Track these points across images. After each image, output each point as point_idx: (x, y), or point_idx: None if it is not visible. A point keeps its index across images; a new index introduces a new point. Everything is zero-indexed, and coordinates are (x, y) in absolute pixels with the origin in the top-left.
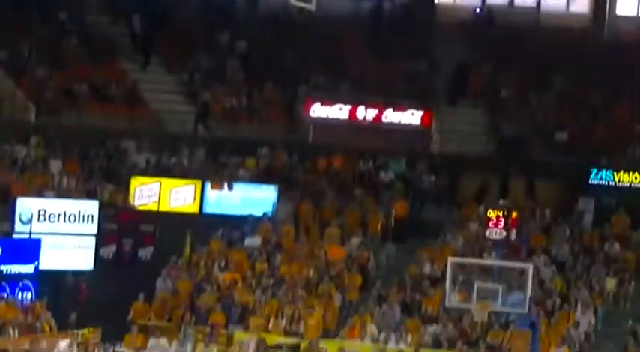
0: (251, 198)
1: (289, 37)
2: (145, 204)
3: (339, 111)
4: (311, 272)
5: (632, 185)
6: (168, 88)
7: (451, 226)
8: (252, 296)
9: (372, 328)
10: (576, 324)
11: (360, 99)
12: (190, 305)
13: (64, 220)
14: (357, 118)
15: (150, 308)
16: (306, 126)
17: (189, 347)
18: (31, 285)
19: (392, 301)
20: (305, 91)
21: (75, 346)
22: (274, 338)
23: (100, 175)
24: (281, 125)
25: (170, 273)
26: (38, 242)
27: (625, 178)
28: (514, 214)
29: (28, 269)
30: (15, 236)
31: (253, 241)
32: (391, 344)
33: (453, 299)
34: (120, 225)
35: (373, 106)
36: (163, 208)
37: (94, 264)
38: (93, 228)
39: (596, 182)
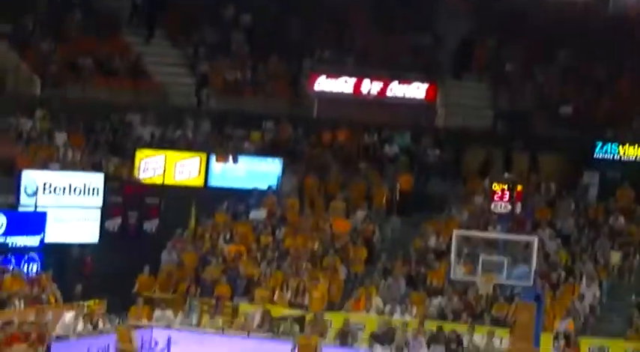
0: (256, 171)
1: (294, 10)
2: (150, 177)
3: (343, 85)
4: (316, 245)
5: (637, 158)
6: (173, 61)
7: (456, 200)
8: (258, 269)
9: (377, 301)
10: (581, 297)
11: (365, 73)
12: (195, 277)
13: (70, 193)
14: (361, 92)
15: (155, 280)
16: (310, 99)
17: (194, 318)
18: (36, 257)
19: (397, 274)
20: (310, 65)
21: (80, 318)
22: (279, 311)
23: (105, 148)
24: (286, 98)
25: (175, 246)
26: (43, 214)
27: (630, 152)
28: (519, 187)
29: (33, 241)
30: (20, 208)
31: (258, 214)
32: (396, 317)
33: (458, 272)
34: (125, 197)
35: (378, 80)
36: (168, 181)
37: (100, 236)
38: (98, 200)
39: (601, 156)
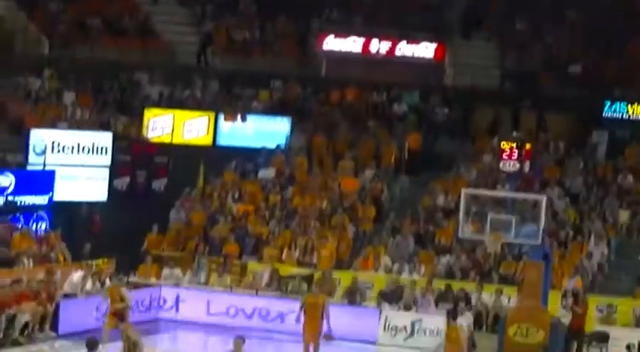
0: (264, 130)
1: None
2: (159, 136)
3: (352, 44)
4: (324, 204)
5: None
6: (181, 21)
7: (464, 158)
8: (266, 228)
9: (385, 259)
10: (589, 255)
11: (373, 32)
12: (204, 236)
13: (78, 152)
14: (370, 51)
15: (164, 239)
16: (319, 59)
17: (202, 277)
18: (45, 216)
19: (405, 232)
20: (318, 24)
21: (89, 277)
22: (288, 269)
23: (113, 107)
24: (294, 58)
25: (184, 205)
26: (52, 173)
27: (639, 111)
28: (528, 146)
29: (42, 200)
30: (29, 167)
31: (267, 173)
32: (404, 275)
33: (466, 231)
34: (133, 156)
35: (386, 39)
36: (177, 140)
37: (108, 195)
38: (106, 159)
39: (609, 115)
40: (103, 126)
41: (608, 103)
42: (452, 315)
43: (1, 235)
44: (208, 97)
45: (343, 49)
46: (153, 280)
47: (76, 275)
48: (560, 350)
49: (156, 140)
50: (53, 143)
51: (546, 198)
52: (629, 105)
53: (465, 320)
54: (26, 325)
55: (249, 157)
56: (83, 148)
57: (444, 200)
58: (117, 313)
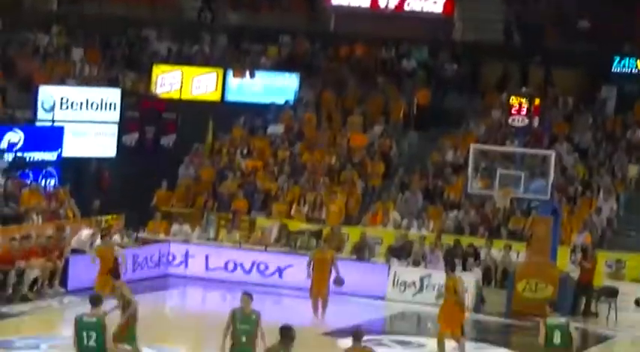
0: (273, 86)
1: None
2: (167, 92)
3: None
4: (333, 160)
5: None
6: None
7: (473, 114)
8: (275, 183)
9: (394, 215)
10: (598, 211)
11: None
12: (213, 192)
13: (87, 108)
14: (379, 6)
15: (172, 195)
16: (328, 14)
17: (211, 233)
18: (54, 172)
19: (414, 188)
20: None
21: (98, 233)
22: (296, 225)
23: (121, 63)
24: (303, 13)
25: (192, 161)
26: (61, 129)
27: None
28: (537, 101)
29: (51, 156)
30: (38, 123)
31: (275, 129)
32: (413, 231)
33: (475, 186)
34: (142, 112)
35: None
36: (185, 96)
37: (117, 151)
38: (115, 115)
39: (618, 70)
40: (111, 83)
41: (617, 58)
42: (450, 267)
43: (11, 191)
44: (217, 53)
45: (352, 4)
46: (162, 236)
47: (85, 233)
48: (569, 305)
49: (164, 96)
50: (62, 99)
51: (555, 154)
52: (639, 61)
53: (474, 276)
54: (35, 281)
55: (258, 113)
56: (92, 104)
57: (453, 155)
58: (111, 271)
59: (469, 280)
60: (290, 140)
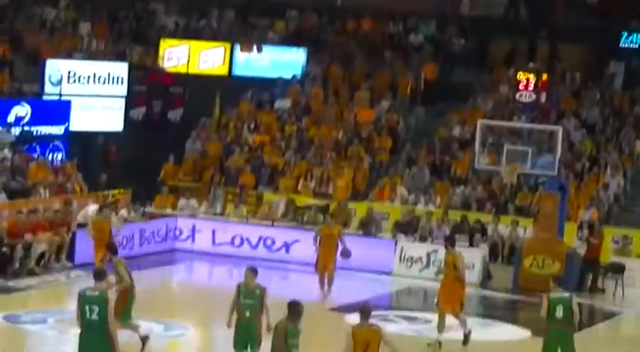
0: (280, 60)
1: None
2: (174, 67)
3: None
4: (340, 135)
5: None
6: None
7: (481, 89)
8: (282, 158)
9: (401, 190)
10: (605, 187)
11: None
12: (220, 166)
13: (94, 82)
14: None
15: (180, 169)
16: None
17: (218, 207)
18: (61, 146)
19: (421, 163)
20: None
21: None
22: (303, 200)
23: (129, 37)
24: None
25: (199, 135)
26: (68, 103)
27: None
28: (544, 77)
29: (58, 130)
30: (45, 97)
31: (283, 103)
32: (420, 206)
33: (482, 162)
34: (149, 86)
35: None
36: (192, 70)
37: (124, 125)
38: (122, 89)
39: (626, 45)
40: (118, 57)
41: (625, 34)
42: (449, 242)
43: (18, 165)
44: (224, 27)
45: None
46: (169, 211)
47: (91, 208)
48: (576, 281)
49: (172, 70)
50: (69, 73)
51: (562, 129)
52: None
53: (481, 252)
54: (42, 255)
55: (265, 87)
56: (99, 78)
57: (460, 131)
58: (108, 245)
59: (476, 256)
60: (297, 115)
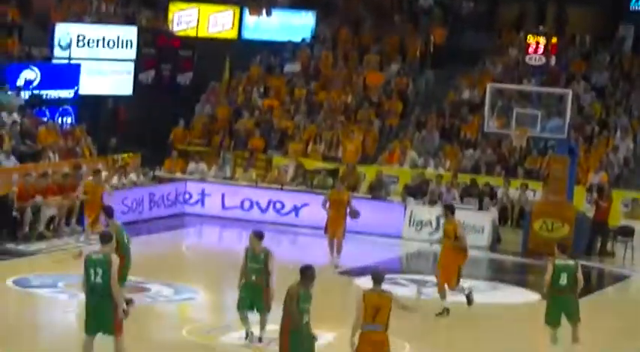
0: (289, 24)
1: None
2: (184, 30)
3: None
4: (350, 98)
5: None
6: None
7: (490, 52)
8: (291, 122)
9: (411, 153)
10: (615, 150)
11: None
12: (229, 130)
13: (103, 45)
14: None
15: (189, 133)
16: None
17: (228, 171)
18: (70, 110)
19: (431, 127)
20: None
21: (114, 171)
22: (313, 163)
23: (138, 1)
24: None
25: (209, 99)
26: (77, 67)
27: None
28: (554, 40)
29: (67, 94)
30: (54, 61)
31: (292, 67)
32: (430, 169)
33: (492, 125)
34: (158, 50)
35: None
36: (202, 34)
37: (133, 89)
38: (132, 53)
39: (636, 9)
40: (127, 20)
41: None
42: (449, 210)
43: (27, 129)
44: None
45: None
46: (178, 174)
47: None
48: (585, 245)
49: (181, 34)
50: (78, 37)
51: (572, 93)
52: None
53: (490, 215)
54: (52, 219)
55: (275, 51)
56: (108, 42)
57: (470, 94)
58: (104, 209)
59: (485, 219)
60: (306, 78)
